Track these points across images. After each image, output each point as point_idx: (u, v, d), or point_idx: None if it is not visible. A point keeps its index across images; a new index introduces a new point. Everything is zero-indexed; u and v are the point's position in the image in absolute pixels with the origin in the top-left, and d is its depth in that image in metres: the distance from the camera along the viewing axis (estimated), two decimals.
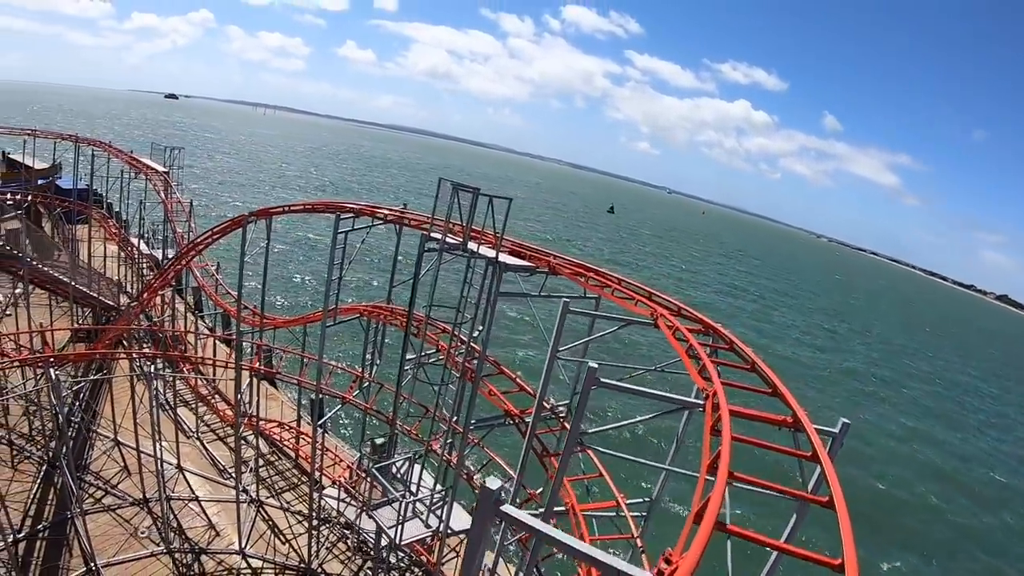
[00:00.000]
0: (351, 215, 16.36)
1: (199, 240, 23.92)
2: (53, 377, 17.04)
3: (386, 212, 16.62)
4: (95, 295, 31.28)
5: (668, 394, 9.60)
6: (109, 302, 30.80)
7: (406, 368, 16.18)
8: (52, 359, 25.93)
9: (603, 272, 14.79)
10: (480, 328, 14.02)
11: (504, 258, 13.66)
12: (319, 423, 19.66)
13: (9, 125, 46.75)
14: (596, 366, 9.90)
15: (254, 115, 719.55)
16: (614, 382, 9.81)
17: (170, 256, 32.03)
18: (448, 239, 13.88)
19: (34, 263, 26.61)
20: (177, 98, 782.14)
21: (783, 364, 65.44)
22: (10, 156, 61.30)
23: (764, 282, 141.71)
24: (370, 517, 16.61)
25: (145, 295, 27.75)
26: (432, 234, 14.07)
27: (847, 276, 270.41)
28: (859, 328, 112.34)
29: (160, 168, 35.96)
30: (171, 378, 26.60)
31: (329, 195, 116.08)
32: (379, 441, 19.36)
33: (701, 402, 8.52)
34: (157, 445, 20.87)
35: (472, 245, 13.69)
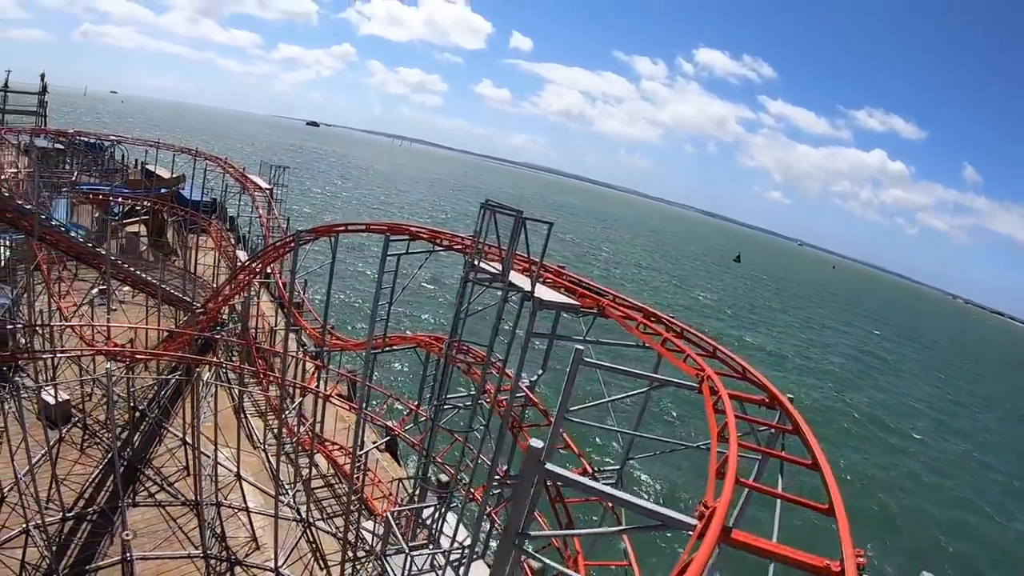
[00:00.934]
0: (405, 238, 16.10)
1: (259, 256, 24.58)
2: (116, 372, 17.67)
3: (448, 239, 16.28)
4: (185, 298, 32.88)
5: (660, 376, 9.89)
6: (196, 306, 32.31)
7: (446, 407, 15.62)
8: (132, 354, 27.39)
9: (665, 318, 13.03)
10: (512, 371, 13.16)
11: (543, 292, 12.65)
12: (361, 451, 19.38)
13: (144, 138, 51.03)
14: (583, 348, 9.35)
15: (390, 146, 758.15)
16: (599, 361, 9.61)
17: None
18: (489, 266, 13.14)
19: (119, 261, 28.27)
20: (318, 125, 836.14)
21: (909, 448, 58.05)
22: (146, 166, 66.73)
23: (891, 345, 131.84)
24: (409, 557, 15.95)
25: (210, 305, 28.90)
26: (474, 261, 13.33)
27: (982, 343, 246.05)
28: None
29: (264, 185, 37.80)
30: (249, 389, 27.35)
31: (445, 226, 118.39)
32: (444, 479, 18.74)
33: (696, 384, 9.00)
34: (219, 451, 21.32)
35: (514, 276, 12.84)
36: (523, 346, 12.39)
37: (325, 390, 24.26)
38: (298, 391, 27.44)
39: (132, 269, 29.22)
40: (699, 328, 13.01)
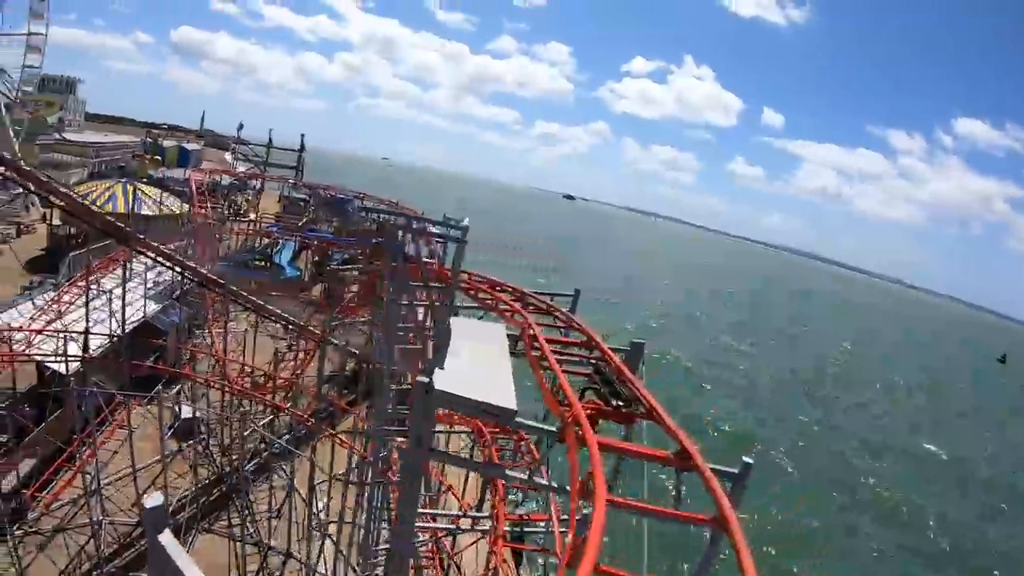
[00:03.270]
0: None
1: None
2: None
3: None
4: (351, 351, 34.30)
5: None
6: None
7: None
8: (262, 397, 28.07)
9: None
10: None
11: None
12: None
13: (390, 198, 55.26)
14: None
15: (644, 222, 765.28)
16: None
17: None
18: None
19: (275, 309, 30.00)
20: (574, 199, 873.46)
21: None
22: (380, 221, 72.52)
23: None
24: None
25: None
26: None
27: None
28: None
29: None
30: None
31: (688, 326, 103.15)
32: None
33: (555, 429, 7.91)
34: (318, 501, 21.06)
35: None
36: None
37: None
38: None
39: (282, 314, 30.58)
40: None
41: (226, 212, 69.86)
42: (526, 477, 9.89)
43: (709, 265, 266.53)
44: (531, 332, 11.11)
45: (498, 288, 16.29)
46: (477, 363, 9.71)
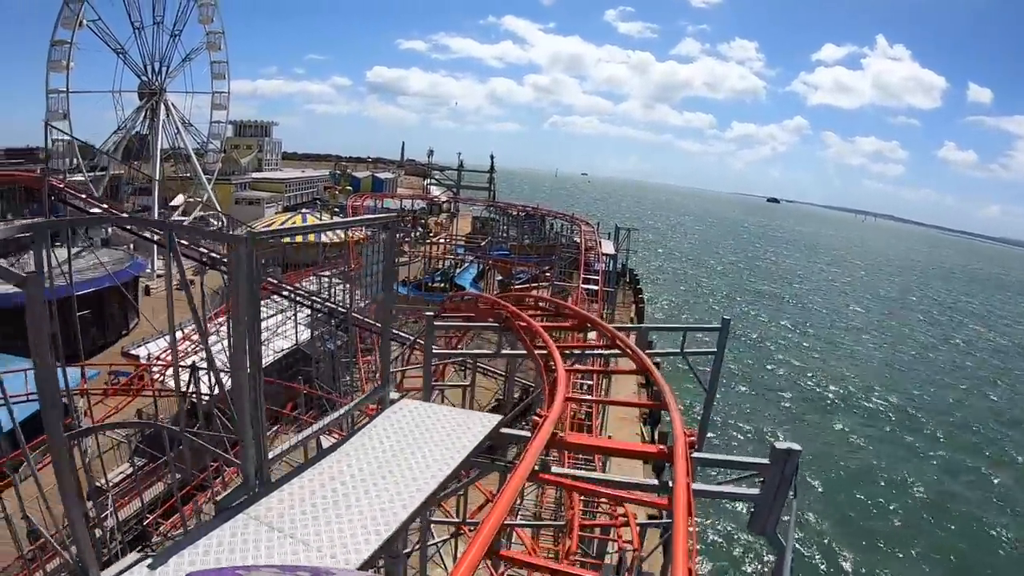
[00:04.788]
0: None
1: None
2: None
3: None
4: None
5: None
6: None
7: None
8: None
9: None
10: None
11: None
12: None
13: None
14: None
15: (852, 222, 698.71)
16: None
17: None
18: None
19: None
20: (778, 202, 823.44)
21: None
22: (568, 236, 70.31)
23: None
24: None
25: None
26: None
27: None
28: None
29: (610, 250, 35.39)
30: None
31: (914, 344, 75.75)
32: None
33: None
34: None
35: None
36: None
37: None
38: None
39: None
40: None
41: (415, 236, 71.37)
42: None
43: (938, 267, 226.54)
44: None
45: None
46: None
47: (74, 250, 38.54)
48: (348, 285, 34.87)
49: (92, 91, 57.42)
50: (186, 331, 28.91)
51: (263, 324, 21.25)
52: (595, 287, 28.84)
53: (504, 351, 13.88)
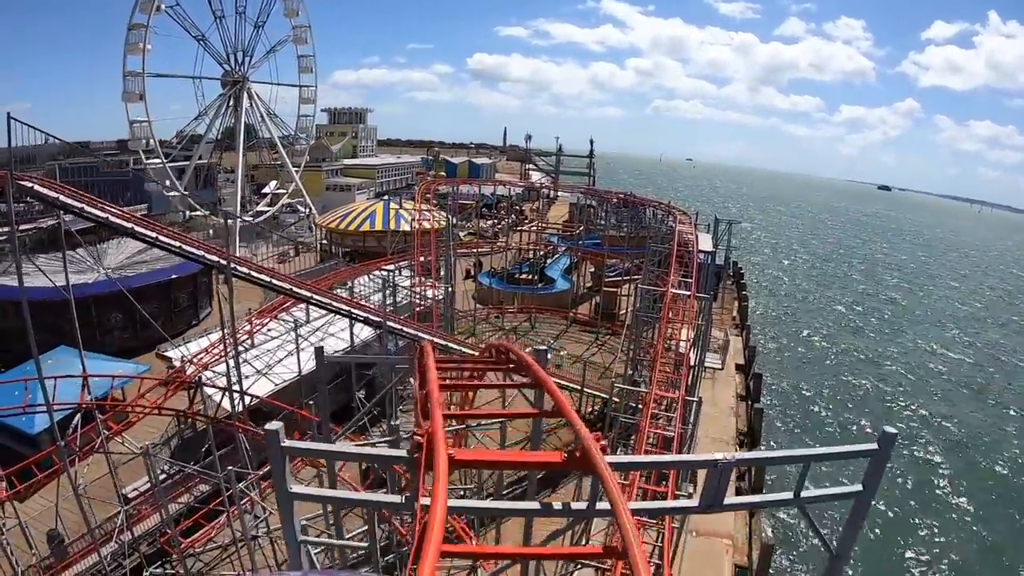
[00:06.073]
0: None
1: None
2: None
3: None
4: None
5: None
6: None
7: None
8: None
9: None
10: None
11: None
12: None
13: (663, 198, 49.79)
14: None
15: (967, 212, 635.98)
16: None
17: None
18: None
19: None
20: (890, 190, 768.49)
21: None
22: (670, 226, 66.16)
23: None
24: None
25: None
26: None
27: None
28: None
29: (707, 245, 31.69)
30: None
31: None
32: None
33: None
34: None
35: None
36: None
37: None
38: None
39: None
40: None
41: (509, 222, 68.92)
42: None
43: None
44: None
45: None
46: None
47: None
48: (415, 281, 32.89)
49: (171, 75, 57.49)
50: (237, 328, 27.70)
51: (313, 326, 19.82)
52: (686, 292, 25.07)
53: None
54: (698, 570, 18.15)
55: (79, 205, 14.82)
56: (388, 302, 27.48)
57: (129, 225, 15.56)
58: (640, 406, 24.02)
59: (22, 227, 32.62)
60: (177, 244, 16.03)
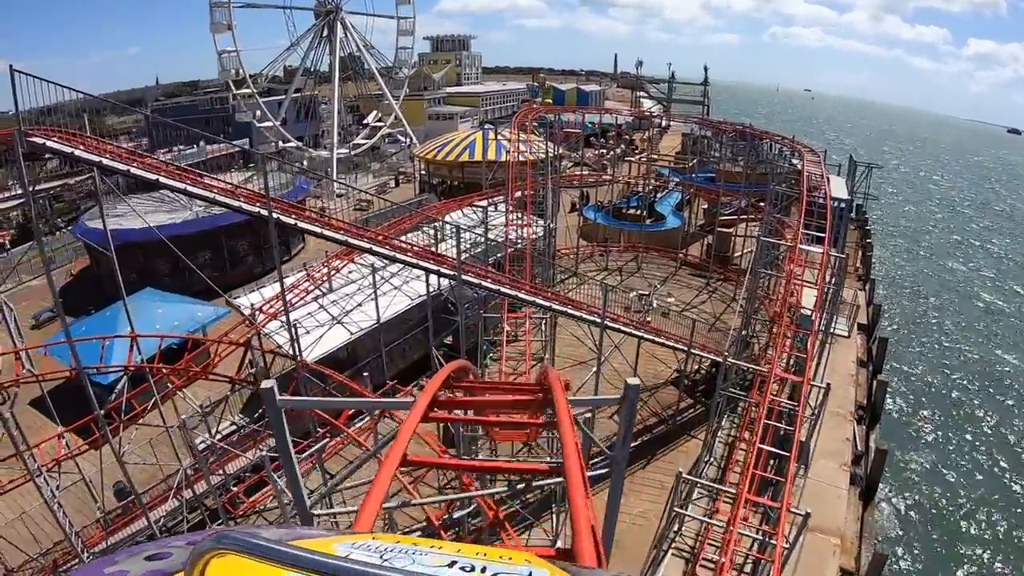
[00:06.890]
0: None
1: None
2: None
3: None
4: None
5: None
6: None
7: None
8: None
9: None
10: None
11: None
12: None
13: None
14: None
15: None
16: None
17: None
18: None
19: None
20: (1020, 134, 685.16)
21: None
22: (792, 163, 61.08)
23: None
24: None
25: None
26: None
27: None
28: None
29: (843, 194, 27.29)
30: None
31: None
32: None
33: None
34: None
35: None
36: None
37: None
38: None
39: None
40: None
41: (618, 153, 65.50)
42: None
43: None
44: None
45: None
46: None
47: (243, 175, 38.23)
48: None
49: (259, 4, 56.03)
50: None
51: (392, 269, 17.89)
52: (818, 248, 21.18)
53: None
54: (799, 571, 15.69)
55: (96, 159, 13.52)
56: (469, 245, 25.66)
57: (154, 176, 14.17)
58: (752, 375, 21.42)
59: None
60: (210, 195, 14.56)
